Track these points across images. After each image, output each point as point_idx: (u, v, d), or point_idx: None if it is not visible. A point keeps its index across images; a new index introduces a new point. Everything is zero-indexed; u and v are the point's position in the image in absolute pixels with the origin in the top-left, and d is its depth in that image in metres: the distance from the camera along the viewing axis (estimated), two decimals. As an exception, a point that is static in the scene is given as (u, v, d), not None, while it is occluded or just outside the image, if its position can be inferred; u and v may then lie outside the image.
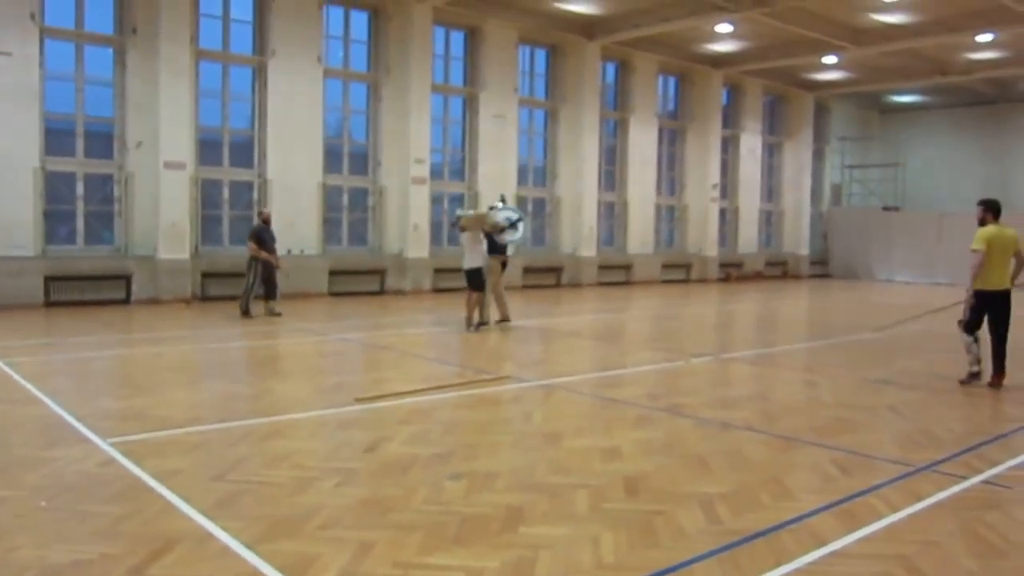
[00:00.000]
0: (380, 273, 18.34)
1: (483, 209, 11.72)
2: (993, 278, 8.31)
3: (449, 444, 5.86)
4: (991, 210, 8.42)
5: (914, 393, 8.17)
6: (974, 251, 8.32)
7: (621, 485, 4.92)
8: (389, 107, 18.42)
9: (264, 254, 13.29)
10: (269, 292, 13.47)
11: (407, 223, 18.40)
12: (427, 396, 7.49)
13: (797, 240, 29.33)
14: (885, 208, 28.97)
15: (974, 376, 8.52)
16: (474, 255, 12.17)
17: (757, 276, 27.27)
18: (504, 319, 12.59)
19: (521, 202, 21.04)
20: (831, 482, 5.10)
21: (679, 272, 25.10)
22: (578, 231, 21.98)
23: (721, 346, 11.90)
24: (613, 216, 23.84)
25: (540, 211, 22.10)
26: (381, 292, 18.22)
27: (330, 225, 18.00)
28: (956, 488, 5.01)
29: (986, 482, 5.17)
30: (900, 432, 6.60)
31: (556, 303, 17.57)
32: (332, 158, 18.07)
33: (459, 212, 13.65)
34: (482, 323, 12.34)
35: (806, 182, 29.33)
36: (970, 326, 8.46)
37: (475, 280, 12.14)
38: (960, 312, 8.69)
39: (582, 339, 12.39)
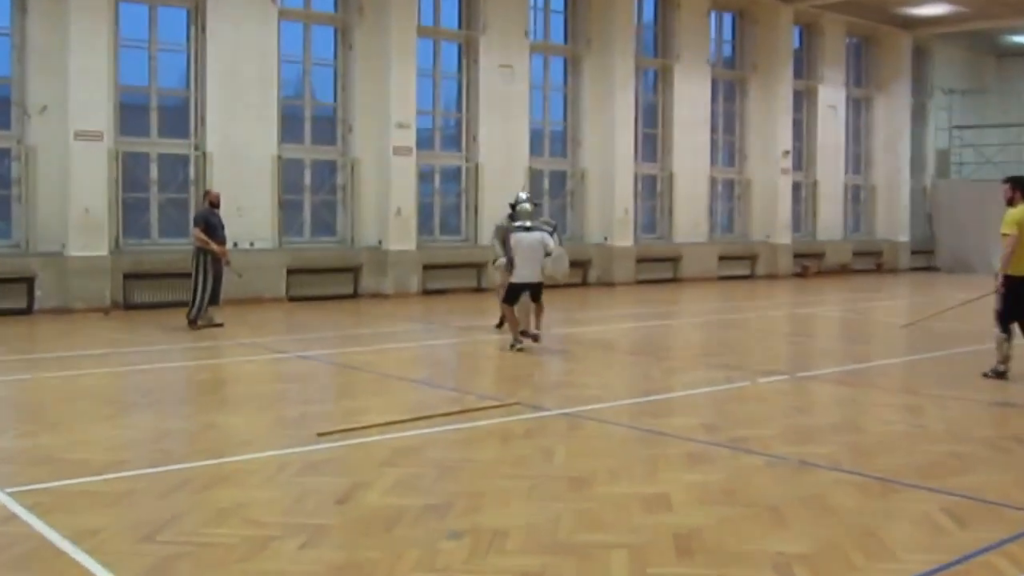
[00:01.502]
0: (353, 271, 18.39)
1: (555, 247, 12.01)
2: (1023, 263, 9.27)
3: (446, 492, 5.86)
4: (1019, 187, 9.57)
5: (1049, 420, 8.13)
6: (1004, 235, 9.33)
7: (670, 543, 4.91)
8: (363, 58, 18.45)
9: (214, 246, 13.30)
10: (213, 296, 13.47)
11: (388, 206, 18.43)
12: (415, 430, 7.48)
13: (893, 223, 29.29)
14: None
15: (999, 375, 9.38)
16: (537, 267, 11.86)
17: (843, 270, 27.23)
18: (502, 324, 12.75)
19: (535, 176, 21.07)
20: (943, 537, 5.09)
21: (742, 266, 25.09)
22: (609, 214, 21.98)
23: (797, 362, 11.87)
24: (655, 194, 23.86)
25: (560, 189, 22.12)
26: (355, 296, 18.27)
27: (288, 210, 18.06)
28: (1107, 544, 4.97)
29: None
30: (1032, 471, 6.57)
31: (582, 307, 17.57)
32: (290, 124, 18.14)
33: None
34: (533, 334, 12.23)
35: (904, 148, 29.26)
36: (1003, 317, 9.34)
37: (537, 292, 11.95)
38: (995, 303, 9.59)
39: (616, 354, 12.39)
